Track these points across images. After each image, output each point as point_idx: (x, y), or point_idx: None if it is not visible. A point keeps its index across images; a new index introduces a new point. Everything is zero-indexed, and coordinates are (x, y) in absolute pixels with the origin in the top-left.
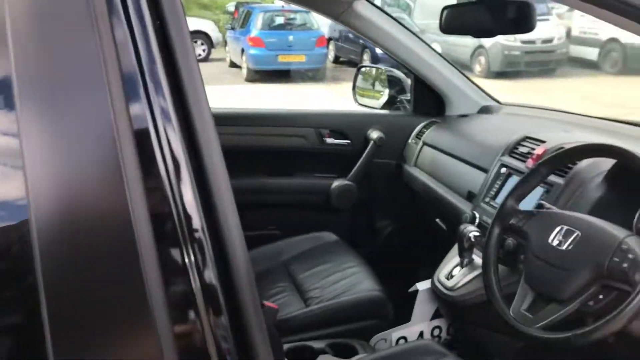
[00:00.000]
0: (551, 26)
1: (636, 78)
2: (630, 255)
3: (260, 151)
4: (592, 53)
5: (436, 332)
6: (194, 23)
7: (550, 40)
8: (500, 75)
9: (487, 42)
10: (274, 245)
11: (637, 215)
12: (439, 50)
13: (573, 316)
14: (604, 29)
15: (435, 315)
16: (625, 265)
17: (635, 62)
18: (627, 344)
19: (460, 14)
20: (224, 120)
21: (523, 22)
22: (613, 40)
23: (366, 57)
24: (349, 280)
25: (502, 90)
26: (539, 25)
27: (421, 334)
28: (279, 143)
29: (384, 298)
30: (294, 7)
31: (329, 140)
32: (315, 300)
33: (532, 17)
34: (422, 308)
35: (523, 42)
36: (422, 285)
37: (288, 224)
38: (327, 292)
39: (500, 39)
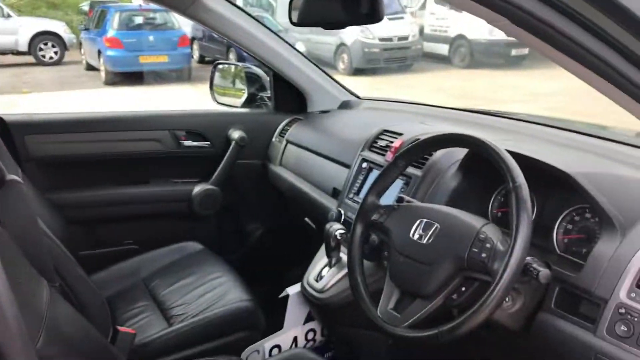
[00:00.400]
0: (405, 24)
1: (482, 71)
2: (487, 245)
3: (109, 159)
4: (443, 49)
5: (310, 335)
6: (43, 23)
7: (405, 38)
8: (363, 71)
9: (348, 40)
10: (132, 261)
11: (491, 202)
12: (303, 48)
13: (439, 311)
14: (452, 26)
15: (309, 318)
16: (483, 255)
17: (480, 56)
18: (494, 331)
19: (308, 5)
20: (64, 126)
21: (372, 12)
22: (461, 37)
23: (232, 56)
24: (216, 292)
25: (365, 86)
26: (395, 23)
27: (295, 340)
28: (130, 148)
29: (254, 307)
30: (152, 6)
31: (187, 143)
32: (179, 319)
33: (381, 7)
34: (294, 313)
35: (381, 39)
36: (293, 290)
37: (147, 237)
38: (191, 308)
39: (360, 36)
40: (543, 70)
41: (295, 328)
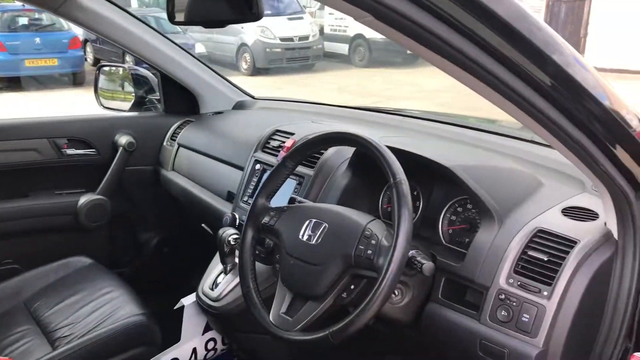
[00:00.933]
0: (305, 24)
1: (381, 69)
2: (373, 241)
3: None
4: (343, 48)
5: (211, 344)
6: None
7: (306, 37)
8: (265, 71)
9: (249, 40)
10: (11, 282)
11: (381, 198)
12: (203, 49)
13: (331, 311)
14: (351, 26)
15: (209, 328)
16: (369, 251)
17: (379, 54)
18: (387, 326)
19: (188, 3)
20: None
21: (251, 11)
22: (359, 36)
23: (129, 58)
24: (106, 309)
25: (267, 86)
26: (295, 24)
27: (194, 351)
28: (4, 160)
29: (147, 321)
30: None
31: (69, 151)
32: (64, 341)
33: (260, 5)
34: (191, 324)
35: (282, 39)
36: (188, 300)
37: (29, 255)
38: (79, 328)
39: (261, 37)
40: (434, 67)
41: (193, 339)
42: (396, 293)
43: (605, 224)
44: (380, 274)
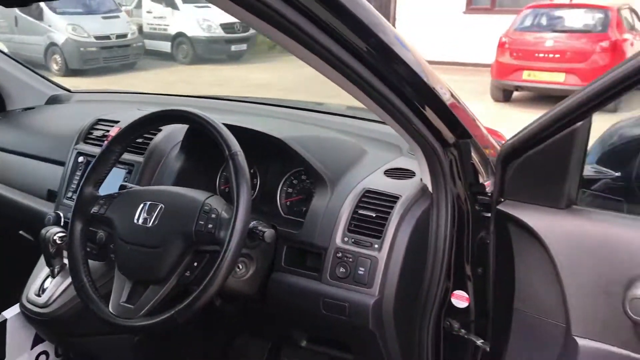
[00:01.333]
0: (122, 22)
1: (207, 66)
2: (213, 215)
3: None
4: (165, 46)
5: (42, 359)
6: None
7: (124, 36)
8: (81, 72)
9: (59, 39)
10: None
11: (217, 179)
12: (5, 50)
13: (175, 292)
14: (172, 25)
15: (39, 340)
16: (210, 225)
17: (203, 52)
18: (235, 302)
19: None
20: None
21: None
22: (180, 34)
23: None
24: None
25: (88, 88)
26: (111, 22)
27: None
28: None
29: None
30: None
31: None
32: None
33: None
34: (17, 338)
35: (97, 37)
36: (10, 312)
37: None
38: None
39: (72, 35)
40: (259, 63)
41: (20, 356)
42: (240, 267)
43: (421, 180)
44: (222, 246)
